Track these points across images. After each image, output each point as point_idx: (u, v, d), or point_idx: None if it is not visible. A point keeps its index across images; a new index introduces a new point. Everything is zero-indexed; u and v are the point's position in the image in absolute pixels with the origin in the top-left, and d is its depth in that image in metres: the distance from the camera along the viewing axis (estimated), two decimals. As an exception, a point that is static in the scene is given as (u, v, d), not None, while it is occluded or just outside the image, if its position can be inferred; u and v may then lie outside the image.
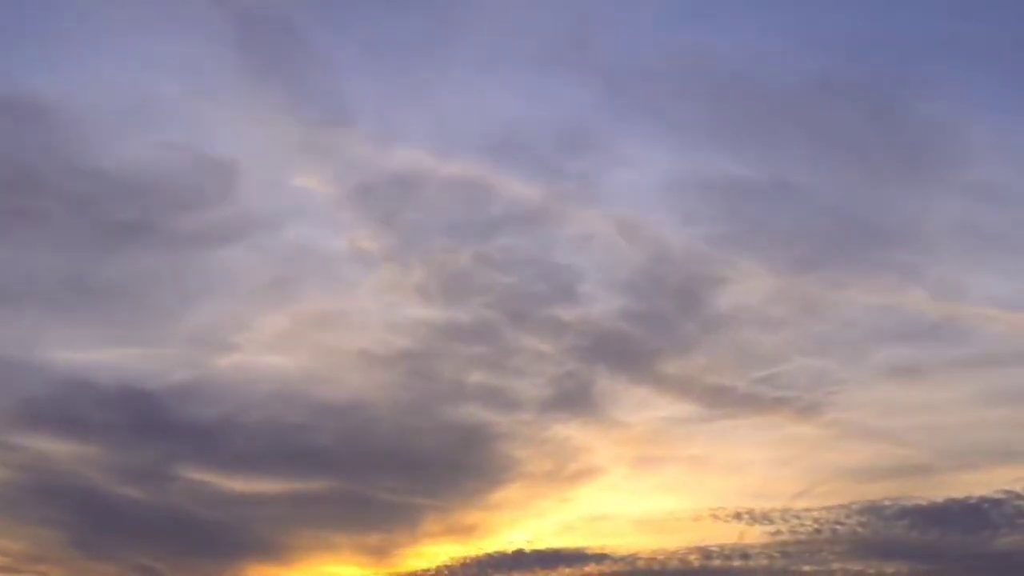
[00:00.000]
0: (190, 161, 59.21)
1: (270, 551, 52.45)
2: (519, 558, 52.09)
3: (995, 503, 51.01)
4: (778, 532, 52.00)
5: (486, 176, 61.09)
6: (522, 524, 53.77)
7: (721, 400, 56.29)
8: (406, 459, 54.76)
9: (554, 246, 60.96)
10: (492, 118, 64.29)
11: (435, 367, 57.47)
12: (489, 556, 52.26)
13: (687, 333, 58.70)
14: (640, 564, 51.48)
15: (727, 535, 51.91)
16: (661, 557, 51.56)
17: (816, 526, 51.96)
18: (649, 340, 58.52)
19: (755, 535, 52.04)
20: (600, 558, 51.68)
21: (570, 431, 55.87)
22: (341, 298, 60.30)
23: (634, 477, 55.68)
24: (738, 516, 52.53)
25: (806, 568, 50.78)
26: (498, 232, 60.39)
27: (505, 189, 61.22)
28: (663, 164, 63.26)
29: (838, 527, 51.79)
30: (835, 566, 50.51)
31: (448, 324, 58.10)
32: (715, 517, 52.55)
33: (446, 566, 52.09)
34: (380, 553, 52.44)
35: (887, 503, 52.13)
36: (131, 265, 58.77)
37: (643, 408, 57.02)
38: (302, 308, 59.27)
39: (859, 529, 51.62)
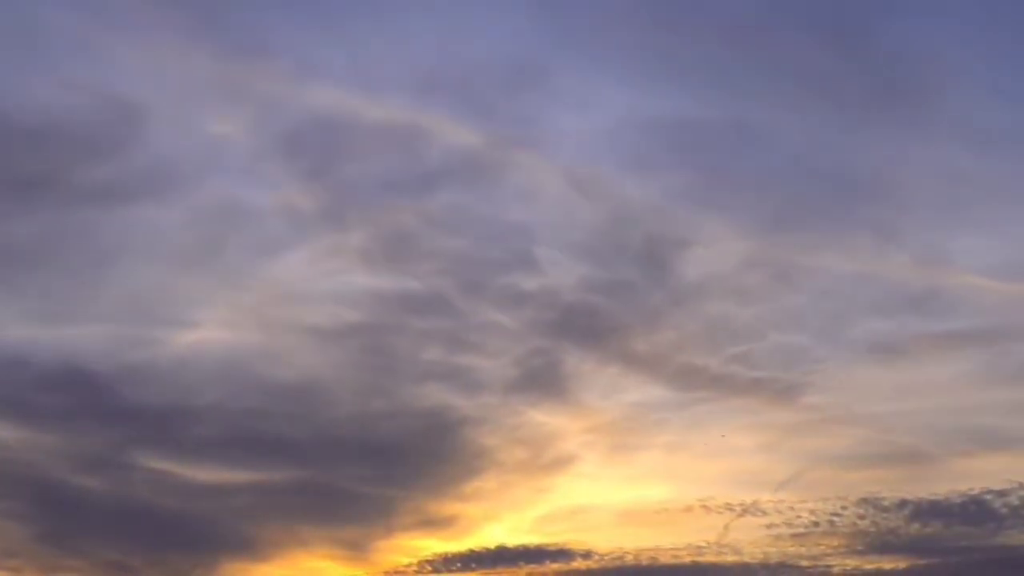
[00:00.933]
0: (93, 102, 53.46)
1: (242, 545, 50.40)
2: (502, 553, 50.21)
3: (999, 494, 49.22)
4: (772, 525, 50.11)
5: (418, 120, 56.51)
6: (499, 516, 51.90)
7: (694, 381, 53.60)
8: (371, 446, 52.13)
9: (502, 203, 56.82)
10: (421, 52, 58.76)
11: (390, 344, 54.33)
12: (472, 552, 50.42)
13: (655, 305, 55.40)
14: (629, 560, 49.78)
15: (717, 527, 50.12)
16: (651, 553, 49.80)
17: (813, 518, 50.14)
18: (616, 313, 55.28)
19: (747, 528, 50.21)
20: (587, 554, 49.93)
21: (540, 416, 53.23)
22: (278, 265, 56.24)
23: (610, 465, 53.51)
24: (729, 508, 50.56)
25: (804, 563, 48.97)
26: (439, 186, 56.36)
27: (440, 135, 56.73)
28: (612, 104, 58.71)
29: (835, 519, 49.99)
30: (834, 561, 48.73)
31: (399, 295, 54.71)
32: (706, 508, 50.52)
33: (428, 561, 50.27)
34: (356, 547, 50.57)
35: (884, 494, 50.23)
36: (35, 226, 53.68)
37: (614, 390, 54.28)
38: (237, 276, 55.63)
39: (858, 522, 49.84)
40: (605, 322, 55.05)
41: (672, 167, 57.12)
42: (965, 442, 51.37)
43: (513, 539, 50.69)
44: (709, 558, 49.15)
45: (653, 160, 57.15)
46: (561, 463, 52.81)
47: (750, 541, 49.58)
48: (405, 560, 50.15)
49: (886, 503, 49.80)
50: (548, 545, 50.03)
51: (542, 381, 53.80)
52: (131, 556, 49.04)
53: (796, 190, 57.26)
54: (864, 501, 49.95)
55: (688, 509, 50.45)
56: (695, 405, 53.44)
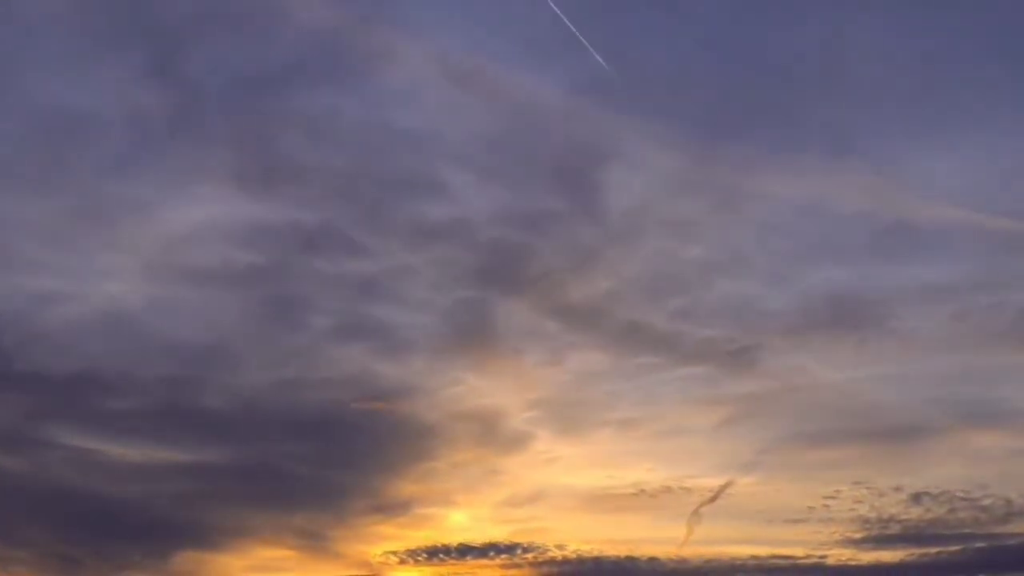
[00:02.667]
0: None
1: (190, 534, 46.49)
2: (470, 548, 46.69)
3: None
4: (750, 511, 46.71)
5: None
6: (456, 501, 47.93)
7: (640, 342, 48.73)
8: (299, 421, 47.29)
9: (378, 104, 49.50)
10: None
11: (293, 293, 48.45)
12: (442, 546, 46.70)
13: (585, 243, 49.46)
14: (607, 553, 46.39)
15: (688, 513, 46.66)
16: (625, 546, 46.43)
17: (792, 503, 46.59)
18: (543, 254, 49.23)
19: (726, 514, 46.79)
20: (561, 546, 46.51)
21: (478, 383, 48.66)
22: (135, 185, 47.88)
23: (565, 445, 48.77)
24: (699, 491, 46.98)
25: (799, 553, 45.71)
26: (298, 81, 48.45)
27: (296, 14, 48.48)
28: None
29: (830, 502, 46.25)
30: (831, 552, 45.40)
31: (291, 228, 48.08)
32: (673, 492, 47.14)
33: (394, 552, 46.50)
34: (311, 536, 46.74)
35: (861, 477, 46.79)
36: None
37: (555, 353, 48.94)
38: (90, 202, 47.60)
39: (854, 507, 46.27)
40: (533, 265, 49.19)
41: (574, 49, 47.81)
42: (953, 415, 47.56)
43: (477, 529, 47.35)
44: (687, 551, 45.97)
45: (548, 43, 48.28)
46: (513, 442, 48.65)
47: (732, 529, 46.69)
48: (372, 551, 46.60)
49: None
50: (521, 543, 46.51)
51: (474, 341, 48.93)
52: (77, 547, 45.28)
53: (719, 78, 49.31)
54: (845, 482, 46.62)
55: (654, 494, 47.09)
56: (646, 374, 48.52)
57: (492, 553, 45.94)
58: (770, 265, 49.50)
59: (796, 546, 45.67)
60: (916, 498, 45.81)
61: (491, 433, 48.09)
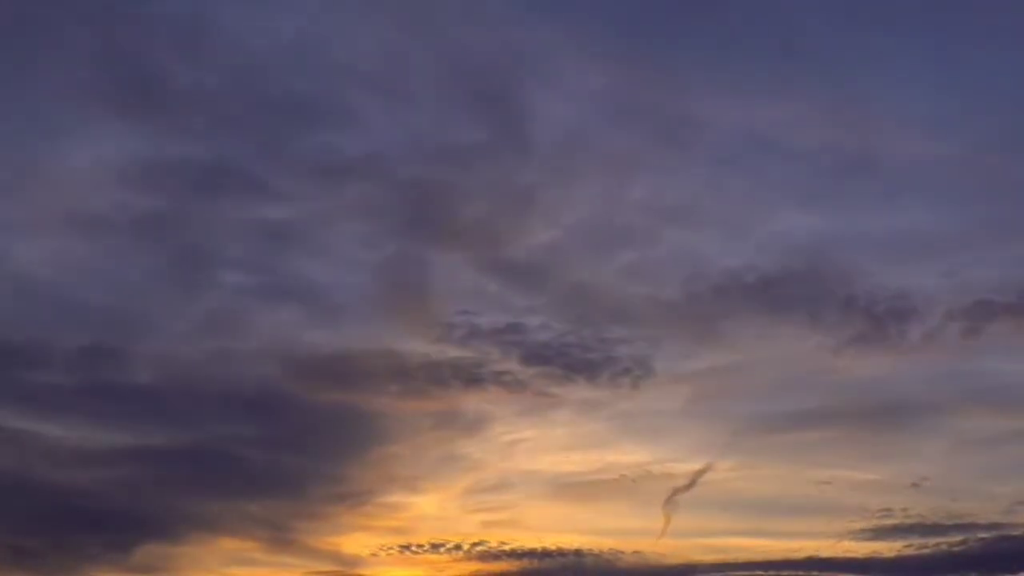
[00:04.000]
0: None
1: (149, 525, 43.18)
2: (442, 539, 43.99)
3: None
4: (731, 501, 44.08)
5: None
6: (422, 488, 44.65)
7: (590, 308, 44.90)
8: (241, 399, 43.42)
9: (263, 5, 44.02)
10: None
11: (200, 244, 44.09)
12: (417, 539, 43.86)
13: (517, 184, 44.93)
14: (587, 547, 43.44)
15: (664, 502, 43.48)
16: (608, 540, 43.47)
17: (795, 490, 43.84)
18: (471, 196, 44.60)
19: (707, 502, 43.90)
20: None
21: (425, 354, 44.45)
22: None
23: (526, 427, 45.40)
24: (674, 477, 43.76)
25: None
26: None
27: None
28: None
29: (824, 486, 43.45)
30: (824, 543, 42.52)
31: (182, 166, 43.13)
32: (645, 479, 44.11)
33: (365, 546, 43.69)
34: (274, 527, 43.66)
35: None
36: None
37: (501, 320, 45.03)
38: None
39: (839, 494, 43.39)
40: (463, 210, 44.81)
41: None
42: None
43: (447, 519, 44.53)
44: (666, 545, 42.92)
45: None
46: (472, 425, 45.21)
47: (713, 519, 43.89)
48: (341, 543, 43.65)
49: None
50: (494, 533, 43.72)
51: (413, 303, 45.04)
52: (25, 537, 42.00)
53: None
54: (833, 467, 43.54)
55: (632, 481, 44.06)
56: (600, 347, 44.42)
57: (467, 546, 43.45)
58: (724, 211, 45.51)
59: (784, 538, 43.01)
60: (915, 485, 42.88)
61: (449, 414, 44.83)
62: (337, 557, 43.23)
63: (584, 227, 45.28)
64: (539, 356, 43.44)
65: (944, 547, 41.66)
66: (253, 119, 43.76)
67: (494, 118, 44.49)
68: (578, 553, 43.00)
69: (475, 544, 43.18)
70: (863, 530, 42.29)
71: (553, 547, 43.11)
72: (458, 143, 43.96)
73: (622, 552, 42.94)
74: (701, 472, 43.14)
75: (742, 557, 42.58)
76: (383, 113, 44.26)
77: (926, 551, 41.73)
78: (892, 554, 41.89)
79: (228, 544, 43.50)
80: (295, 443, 43.93)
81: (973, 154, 43.91)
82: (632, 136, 45.42)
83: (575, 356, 43.50)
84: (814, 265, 44.08)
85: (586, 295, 44.77)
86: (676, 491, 43.00)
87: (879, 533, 42.24)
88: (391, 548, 43.24)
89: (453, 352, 43.78)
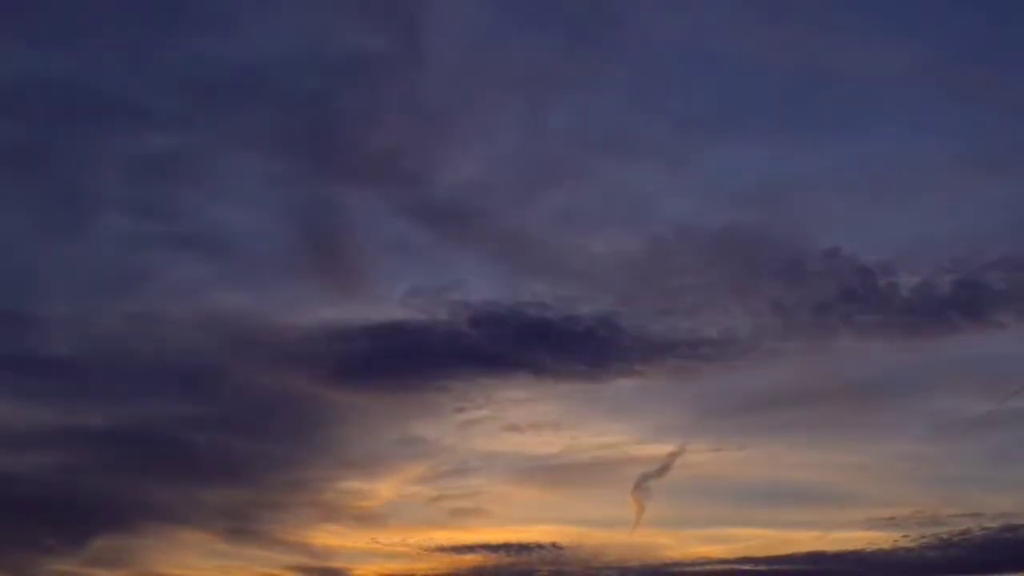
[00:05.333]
0: None
1: (101, 516, 40.11)
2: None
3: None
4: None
5: None
6: (380, 475, 41.56)
7: (521, 260, 41.59)
8: (168, 373, 39.90)
9: None
10: None
11: (78, 180, 40.01)
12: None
13: (422, 104, 40.89)
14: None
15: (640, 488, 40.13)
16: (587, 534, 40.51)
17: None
18: (376, 120, 40.81)
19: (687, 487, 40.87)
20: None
21: (354, 317, 41.01)
22: None
23: (485, 403, 41.96)
24: (647, 461, 40.50)
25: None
26: None
27: None
28: None
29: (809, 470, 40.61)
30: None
31: (28, 80, 38.56)
32: (616, 463, 41.07)
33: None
34: (233, 516, 40.63)
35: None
36: None
37: (432, 279, 41.68)
38: None
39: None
40: (373, 141, 40.86)
41: None
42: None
43: (411, 507, 41.44)
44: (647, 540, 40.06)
45: None
46: (424, 401, 41.99)
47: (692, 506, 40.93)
48: (308, 535, 40.61)
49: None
50: (462, 522, 40.87)
51: (336, 257, 41.86)
52: None
53: None
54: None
55: (604, 464, 41.11)
56: (540, 311, 40.71)
57: (438, 537, 40.77)
58: (660, 141, 41.43)
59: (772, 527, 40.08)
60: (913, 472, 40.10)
61: (393, 385, 41.19)
62: (306, 549, 40.51)
63: (502, 160, 41.46)
64: (491, 318, 39.99)
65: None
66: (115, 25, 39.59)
67: (392, 23, 40.35)
68: (556, 546, 40.40)
69: (445, 534, 40.64)
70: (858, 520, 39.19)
71: (530, 541, 40.44)
72: (347, 53, 39.62)
73: (604, 546, 40.21)
74: (675, 455, 40.16)
75: (728, 552, 39.82)
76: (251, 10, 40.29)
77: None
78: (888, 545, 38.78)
79: (187, 536, 40.45)
80: (238, 424, 41.04)
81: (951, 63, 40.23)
82: (541, 42, 41.27)
83: (530, 317, 39.97)
84: (770, 213, 40.32)
85: (516, 246, 41.39)
86: (646, 476, 40.00)
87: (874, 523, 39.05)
88: (359, 539, 40.76)
89: (394, 315, 40.50)
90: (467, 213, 41.17)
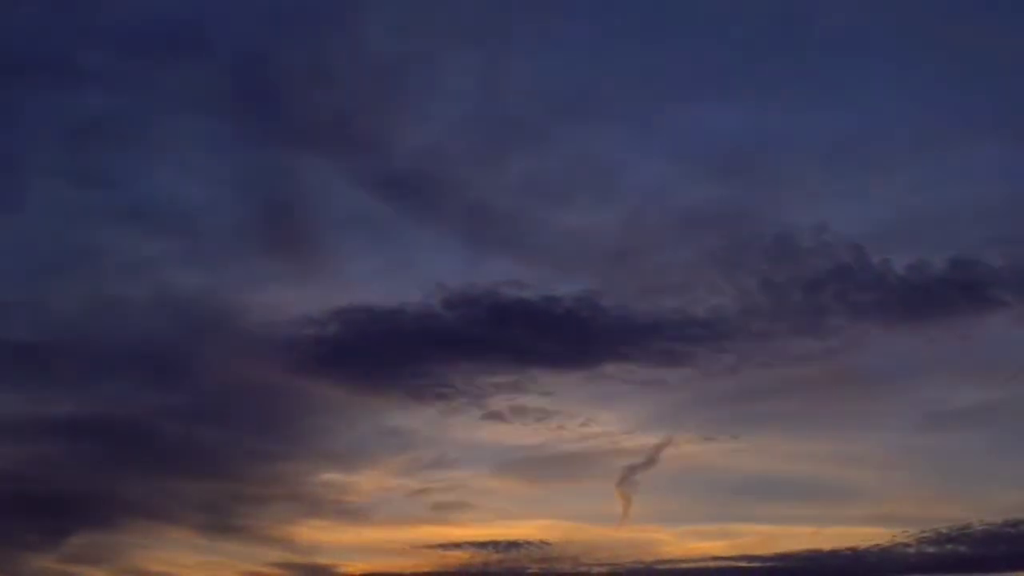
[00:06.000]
0: None
1: (81, 510, 38.77)
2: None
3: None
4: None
5: None
6: (357, 468, 40.30)
7: (489, 235, 40.04)
8: (132, 358, 38.52)
9: None
10: None
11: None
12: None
13: (367, 61, 38.63)
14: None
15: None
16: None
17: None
18: (317, 79, 38.71)
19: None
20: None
21: (325, 300, 39.66)
22: None
23: (465, 389, 40.36)
24: (629, 452, 39.02)
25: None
26: None
27: None
28: None
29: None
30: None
31: None
32: (600, 455, 39.70)
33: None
34: (214, 511, 39.28)
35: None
36: None
37: (396, 258, 40.47)
38: None
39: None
40: (318, 103, 38.69)
41: None
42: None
43: (394, 500, 39.94)
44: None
45: None
46: (401, 389, 40.35)
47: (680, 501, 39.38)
48: (293, 532, 39.07)
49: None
50: (446, 518, 39.54)
51: (294, 233, 40.15)
52: None
53: None
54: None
55: (592, 455, 39.62)
56: (506, 288, 38.90)
57: (423, 532, 39.42)
58: (626, 102, 39.46)
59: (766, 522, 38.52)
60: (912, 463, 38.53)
61: (369, 373, 39.65)
62: (290, 545, 39.05)
63: (456, 120, 39.54)
64: (465, 300, 38.18)
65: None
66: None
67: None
68: (544, 543, 38.93)
69: (431, 529, 39.25)
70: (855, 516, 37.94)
71: (519, 537, 38.95)
72: (295, 4, 38.25)
73: (593, 542, 38.75)
74: (662, 445, 38.66)
75: (722, 548, 38.33)
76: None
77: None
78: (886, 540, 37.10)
79: (166, 531, 39.29)
80: (210, 414, 39.72)
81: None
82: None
83: (507, 298, 38.12)
84: (751, 183, 38.38)
85: (483, 219, 39.78)
86: (633, 468, 38.60)
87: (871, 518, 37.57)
88: (344, 534, 39.39)
89: (363, 297, 39.00)
90: (428, 182, 39.45)
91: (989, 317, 36.64)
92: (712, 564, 37.56)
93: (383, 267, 39.45)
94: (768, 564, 37.28)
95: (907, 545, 36.70)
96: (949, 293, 36.58)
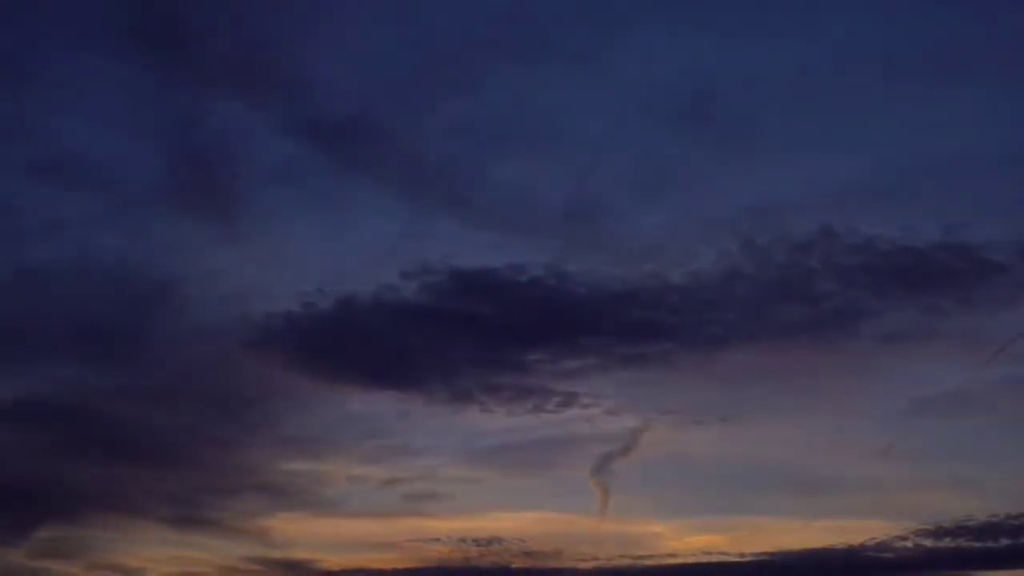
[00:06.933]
0: None
1: (43, 503, 36.72)
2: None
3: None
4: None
5: None
6: (323, 453, 37.97)
7: (423, 187, 37.37)
8: (73, 334, 36.21)
9: None
10: None
11: None
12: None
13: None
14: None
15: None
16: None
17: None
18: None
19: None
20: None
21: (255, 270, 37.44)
22: None
23: None
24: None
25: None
26: None
27: None
28: None
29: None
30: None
31: None
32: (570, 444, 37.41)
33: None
34: (180, 502, 37.38)
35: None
36: None
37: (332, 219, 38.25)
38: None
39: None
40: (235, 35, 35.80)
41: None
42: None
43: (364, 490, 37.76)
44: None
45: None
46: (357, 369, 38.14)
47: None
48: (267, 527, 37.05)
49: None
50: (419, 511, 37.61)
51: (220, 189, 37.36)
52: None
53: None
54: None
55: (567, 442, 37.12)
56: (448, 243, 36.56)
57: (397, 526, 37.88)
58: (563, 36, 35.85)
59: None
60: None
61: (315, 349, 37.14)
62: (264, 539, 37.12)
63: (386, 63, 36.59)
64: (424, 269, 35.06)
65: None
66: None
67: None
68: (523, 539, 36.98)
69: (408, 522, 37.53)
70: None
71: (499, 530, 37.05)
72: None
73: (574, 536, 36.78)
74: (640, 430, 36.24)
75: (708, 544, 36.62)
76: None
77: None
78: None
79: (134, 524, 37.35)
80: (164, 399, 37.26)
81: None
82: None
83: (468, 266, 35.17)
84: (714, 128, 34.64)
85: (427, 173, 36.71)
86: (608, 457, 36.23)
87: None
88: (319, 528, 37.62)
89: (307, 267, 37.06)
90: (357, 130, 35.98)
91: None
92: (701, 560, 35.67)
93: (323, 233, 37.01)
94: (761, 559, 35.17)
95: (903, 538, 34.38)
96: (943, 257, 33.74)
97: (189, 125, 36.50)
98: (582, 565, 35.90)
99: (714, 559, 35.52)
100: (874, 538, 34.52)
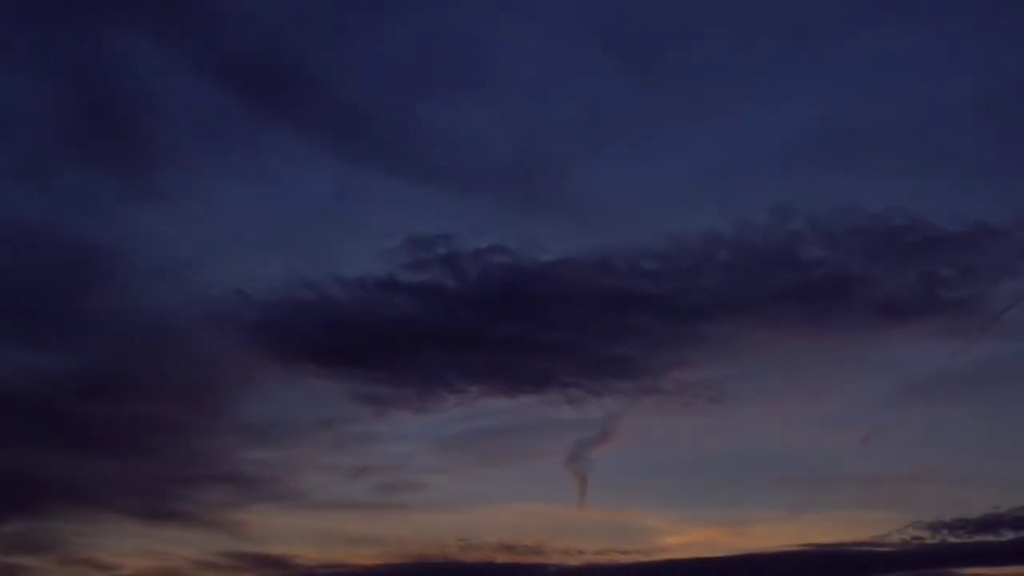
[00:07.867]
0: None
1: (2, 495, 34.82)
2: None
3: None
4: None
5: None
6: (282, 440, 36.34)
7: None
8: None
9: None
10: None
11: None
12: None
13: None
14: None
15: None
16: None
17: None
18: None
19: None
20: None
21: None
22: None
23: None
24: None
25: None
26: None
27: None
28: None
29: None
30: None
31: None
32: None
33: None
34: (145, 494, 35.87)
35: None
36: None
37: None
38: None
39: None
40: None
41: None
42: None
43: (333, 481, 36.14)
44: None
45: None
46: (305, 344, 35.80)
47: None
48: (242, 521, 35.41)
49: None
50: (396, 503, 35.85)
51: (136, 139, 34.29)
52: None
53: None
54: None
55: (540, 428, 35.15)
56: (406, 204, 34.82)
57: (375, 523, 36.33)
58: None
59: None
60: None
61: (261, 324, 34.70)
62: (236, 532, 35.48)
63: None
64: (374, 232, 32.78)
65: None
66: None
67: None
68: (502, 532, 35.41)
69: (382, 515, 35.89)
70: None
71: (478, 525, 35.57)
72: None
73: (556, 529, 35.40)
74: (616, 415, 34.32)
75: (692, 540, 35.19)
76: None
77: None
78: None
79: (101, 517, 35.63)
80: (112, 384, 35.37)
81: None
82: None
83: (422, 233, 32.45)
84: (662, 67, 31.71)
85: (356, 121, 33.52)
86: (583, 445, 34.25)
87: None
88: (291, 521, 35.92)
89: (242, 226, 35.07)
90: (271, 70, 32.65)
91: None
92: (687, 556, 34.13)
93: (257, 193, 34.09)
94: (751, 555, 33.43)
95: (900, 530, 32.61)
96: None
97: (88, 60, 32.92)
98: (568, 561, 34.45)
99: (702, 554, 33.95)
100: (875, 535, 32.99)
